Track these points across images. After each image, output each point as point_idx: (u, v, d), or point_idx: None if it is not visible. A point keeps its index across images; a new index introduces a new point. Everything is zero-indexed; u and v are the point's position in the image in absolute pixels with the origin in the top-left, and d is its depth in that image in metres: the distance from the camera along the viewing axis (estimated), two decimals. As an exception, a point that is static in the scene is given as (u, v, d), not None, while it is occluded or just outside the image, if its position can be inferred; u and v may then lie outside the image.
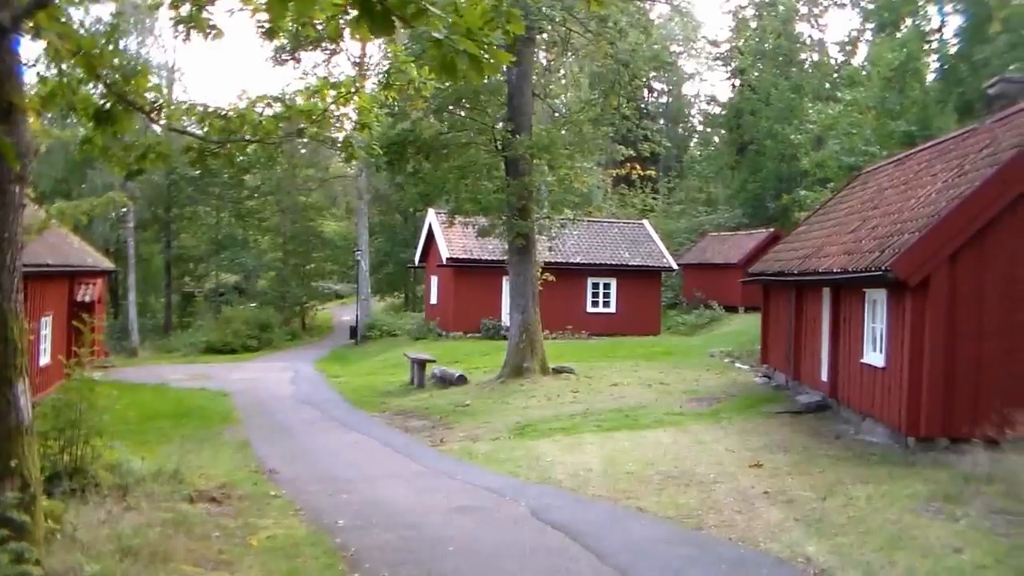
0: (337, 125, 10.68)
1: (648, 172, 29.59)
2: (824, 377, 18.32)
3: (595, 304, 42.00)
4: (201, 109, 9.59)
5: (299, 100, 10.46)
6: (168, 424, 21.38)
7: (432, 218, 41.44)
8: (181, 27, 9.65)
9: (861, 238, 16.67)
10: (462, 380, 26.03)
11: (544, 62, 28.62)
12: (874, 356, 15.37)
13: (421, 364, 27.17)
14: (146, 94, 8.90)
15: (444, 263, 40.46)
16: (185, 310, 61.08)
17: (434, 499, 12.15)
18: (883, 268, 13.59)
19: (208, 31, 9.39)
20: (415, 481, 13.63)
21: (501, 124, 24.85)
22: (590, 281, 41.81)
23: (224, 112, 9.59)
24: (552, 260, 35.87)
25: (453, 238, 39.77)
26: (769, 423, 17.31)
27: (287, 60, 38.34)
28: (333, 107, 10.52)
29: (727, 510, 10.88)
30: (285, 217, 56.37)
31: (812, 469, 12.95)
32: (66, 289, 28.33)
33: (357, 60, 45.57)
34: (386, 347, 41.22)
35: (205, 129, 10.05)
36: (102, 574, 7.44)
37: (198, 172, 55.59)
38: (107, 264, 35.49)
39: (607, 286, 42.20)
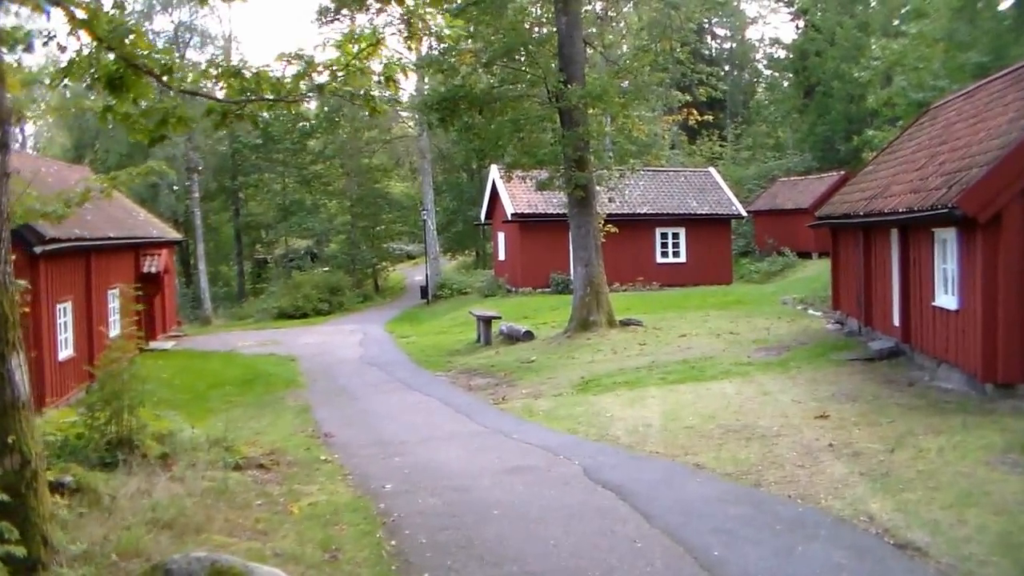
0: (361, 79, 10.27)
1: (706, 116, 28.74)
2: (896, 322, 17.56)
3: (664, 255, 41.28)
4: (215, 71, 9.27)
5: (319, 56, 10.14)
6: (234, 391, 21.49)
7: (495, 174, 40.94)
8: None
9: (928, 175, 15.82)
10: (529, 336, 25.74)
11: (596, 9, 27.93)
12: (946, 299, 14.60)
13: (487, 321, 26.94)
14: (155, 56, 8.61)
15: (509, 219, 40.12)
16: (259, 277, 61.69)
17: (487, 460, 11.87)
18: (950, 205, 12.81)
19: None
20: (471, 441, 13.37)
21: (553, 73, 24.27)
22: (658, 231, 41.06)
23: (238, 70, 9.25)
24: (618, 212, 35.33)
25: (517, 193, 39.39)
26: (839, 371, 16.63)
27: (332, 20, 37.89)
28: (356, 61, 10.16)
29: (789, 465, 10.40)
30: (350, 180, 56.42)
31: (881, 419, 12.33)
32: (132, 261, 28.62)
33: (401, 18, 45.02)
34: (456, 306, 41.03)
35: (222, 90, 9.78)
36: (128, 546, 7.30)
37: (260, 140, 56.17)
38: (173, 235, 35.80)
39: (676, 236, 41.39)
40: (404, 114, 52.93)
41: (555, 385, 18.44)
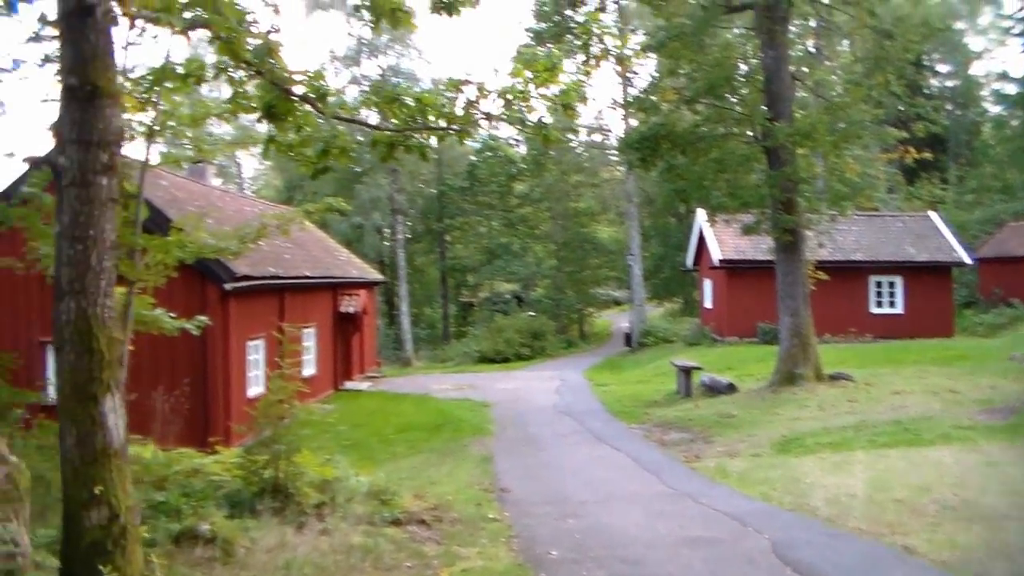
0: (534, 107, 9.57)
1: (924, 154, 26.48)
2: None
3: (879, 304, 38.64)
4: (376, 97, 8.78)
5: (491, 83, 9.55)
6: (421, 435, 21.17)
7: (702, 219, 39.65)
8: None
9: None
10: (731, 388, 24.32)
11: (808, 47, 26.49)
12: None
13: (688, 372, 25.72)
14: (308, 80, 8.22)
15: (716, 265, 38.69)
16: (464, 320, 62.28)
17: (667, 527, 10.78)
18: None
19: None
20: (653, 504, 12.29)
21: (759, 110, 22.99)
22: (872, 280, 38.50)
23: (395, 96, 8.74)
24: (830, 258, 33.38)
25: (724, 238, 37.97)
26: (1083, 441, 14.57)
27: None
28: (532, 87, 9.49)
29: (1021, 557, 8.83)
30: (557, 224, 56.31)
31: None
32: (330, 300, 29.07)
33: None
34: (660, 354, 39.83)
35: (387, 119, 9.32)
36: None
37: (467, 182, 56.90)
38: (374, 276, 36.36)
39: (891, 284, 38.68)
40: (613, 156, 52.50)
41: (753, 443, 17.06)
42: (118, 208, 11.53)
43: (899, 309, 38.54)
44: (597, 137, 59.19)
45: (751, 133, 23.53)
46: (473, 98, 9.42)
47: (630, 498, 12.80)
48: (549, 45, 28.65)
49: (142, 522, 8.75)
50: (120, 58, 10.89)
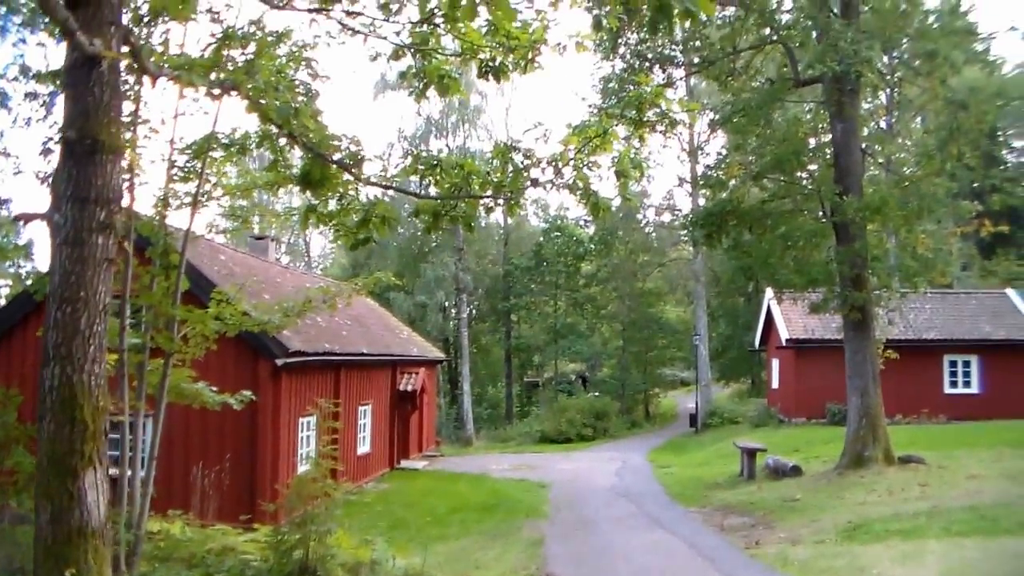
0: (586, 175, 9.24)
1: (1000, 228, 25.61)
2: None
3: (953, 384, 37.26)
4: (421, 166, 8.52)
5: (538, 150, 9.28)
6: (473, 516, 20.63)
7: (770, 297, 38.90)
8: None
9: None
10: (796, 471, 23.39)
11: (880, 124, 26.02)
12: None
13: (752, 453, 24.88)
14: (340, 145, 8.00)
15: (784, 344, 37.83)
16: (529, 400, 61.62)
17: (720, 621, 10.12)
18: None
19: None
20: (707, 595, 11.62)
21: (827, 186, 22.47)
22: (947, 359, 37.23)
23: (435, 162, 8.47)
24: (902, 337, 32.46)
25: (793, 317, 37.18)
26: None
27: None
28: (583, 155, 9.18)
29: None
30: (623, 304, 55.78)
31: None
32: (388, 378, 28.81)
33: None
34: (725, 435, 38.80)
35: (430, 187, 9.07)
36: None
37: (533, 262, 56.76)
38: (435, 354, 36.10)
39: (967, 364, 37.31)
40: (682, 235, 52.14)
41: (817, 529, 16.21)
42: (159, 278, 11.49)
43: (975, 389, 37.14)
44: (666, 217, 58.96)
45: (820, 210, 23.00)
46: (521, 165, 9.15)
47: (684, 587, 12.12)
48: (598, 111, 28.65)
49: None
50: (169, 127, 10.95)
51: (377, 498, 24.12)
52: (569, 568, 13.63)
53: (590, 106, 46.12)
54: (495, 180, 9.11)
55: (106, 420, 5.57)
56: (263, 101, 6.90)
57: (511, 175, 9.08)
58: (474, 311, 61.54)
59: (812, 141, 24.69)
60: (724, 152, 27.82)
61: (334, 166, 8.15)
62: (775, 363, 41.96)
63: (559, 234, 58.24)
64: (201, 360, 16.41)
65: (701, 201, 38.59)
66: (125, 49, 6.25)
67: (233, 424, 18.57)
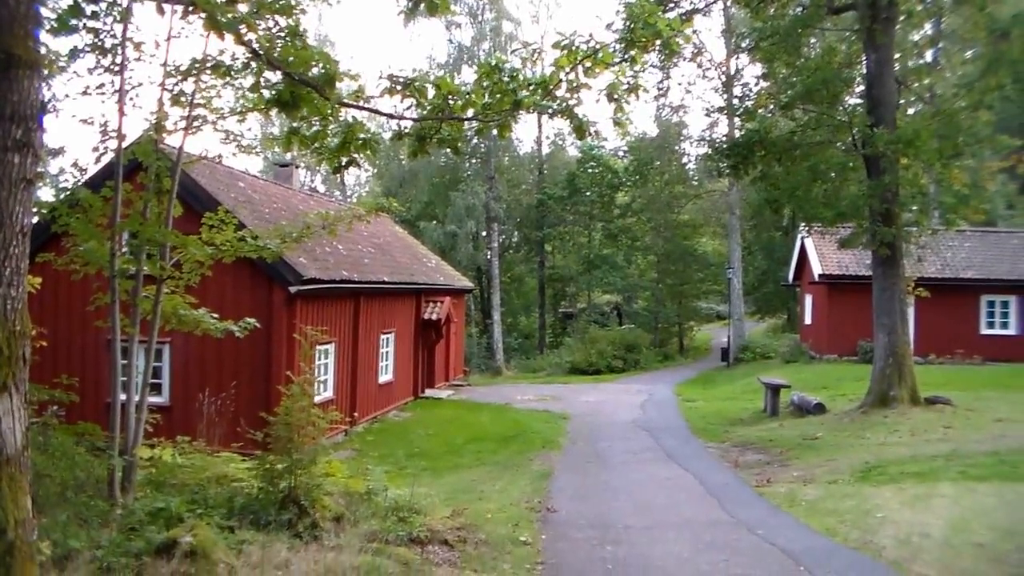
0: (572, 96, 8.80)
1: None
2: None
3: (991, 325, 36.46)
4: (387, 83, 8.13)
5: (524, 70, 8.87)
6: (489, 447, 20.58)
7: (804, 232, 38.16)
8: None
9: None
10: (820, 409, 23.04)
11: (917, 48, 25.05)
12: None
13: (775, 390, 24.57)
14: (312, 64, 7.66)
15: (817, 280, 37.23)
16: (563, 330, 61.52)
17: (710, 562, 9.85)
18: None
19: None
20: (703, 534, 11.32)
21: (859, 117, 21.71)
22: (984, 299, 36.37)
23: (411, 82, 8.09)
24: (938, 275, 31.77)
25: (826, 253, 36.50)
26: None
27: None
28: (571, 76, 8.73)
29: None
30: (658, 235, 55.13)
31: None
32: (412, 307, 28.64)
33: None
34: (755, 370, 38.40)
35: (411, 108, 8.70)
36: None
37: (566, 192, 56.11)
38: (462, 283, 35.86)
39: (1005, 304, 36.44)
40: (710, 166, 51.27)
41: (832, 469, 15.88)
42: (152, 203, 11.26)
43: (1012, 330, 36.33)
44: (703, 149, 57.98)
45: (851, 140, 22.29)
46: (509, 87, 8.73)
47: (681, 526, 11.88)
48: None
49: (130, 529, 8.29)
50: (161, 51, 10.65)
51: (397, 427, 24.17)
52: (572, 503, 13.43)
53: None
54: (477, 101, 8.71)
55: (25, 344, 5.31)
56: (220, 18, 6.53)
57: (498, 97, 8.68)
58: (508, 241, 61.12)
59: (845, 72, 23.81)
60: (754, 80, 27.08)
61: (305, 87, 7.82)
62: (808, 299, 41.39)
63: (594, 163, 57.44)
64: (214, 287, 16.36)
65: (737, 133, 37.71)
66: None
67: (249, 352, 18.53)
